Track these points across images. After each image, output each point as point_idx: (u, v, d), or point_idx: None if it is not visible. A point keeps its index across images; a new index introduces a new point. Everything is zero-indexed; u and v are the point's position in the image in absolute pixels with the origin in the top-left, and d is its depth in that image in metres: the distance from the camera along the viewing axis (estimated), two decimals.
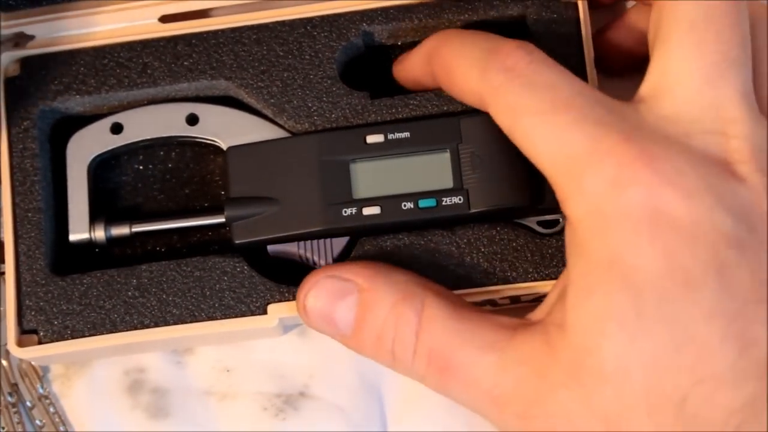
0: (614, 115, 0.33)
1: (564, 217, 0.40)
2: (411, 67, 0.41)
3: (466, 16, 0.43)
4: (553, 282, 0.40)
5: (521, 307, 0.41)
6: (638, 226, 0.31)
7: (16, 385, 0.45)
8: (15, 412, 0.44)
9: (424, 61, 0.40)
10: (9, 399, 0.44)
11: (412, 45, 0.44)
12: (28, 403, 0.44)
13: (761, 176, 0.32)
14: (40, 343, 0.41)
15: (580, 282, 0.33)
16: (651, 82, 0.34)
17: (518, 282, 0.40)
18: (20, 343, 0.41)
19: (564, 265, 0.40)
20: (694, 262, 0.31)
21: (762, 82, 0.35)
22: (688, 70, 0.33)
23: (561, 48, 0.42)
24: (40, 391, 0.44)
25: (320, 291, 0.38)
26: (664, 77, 0.34)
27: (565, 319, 0.33)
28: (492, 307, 0.42)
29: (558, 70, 0.35)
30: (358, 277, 0.37)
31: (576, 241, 0.33)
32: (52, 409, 0.44)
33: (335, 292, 0.37)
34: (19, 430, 0.44)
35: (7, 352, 0.44)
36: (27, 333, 0.41)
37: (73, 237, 0.42)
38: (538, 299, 0.41)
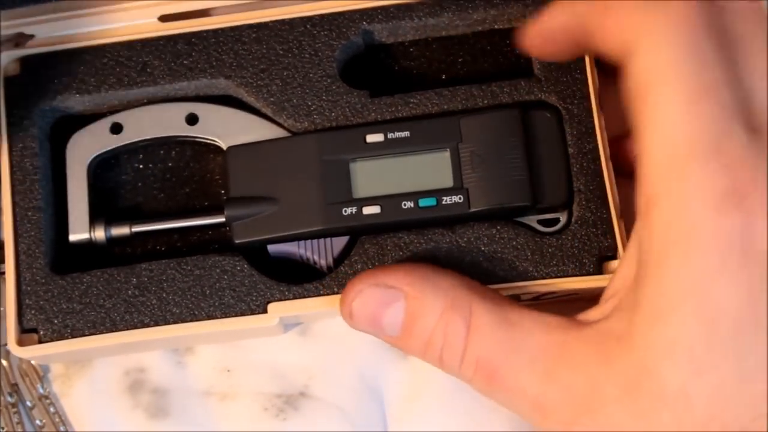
0: (740, 127, 0.31)
1: (581, 210, 0.40)
2: (550, 17, 0.36)
3: (467, 14, 0.43)
4: (553, 280, 0.40)
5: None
6: (729, 255, 0.30)
7: (16, 385, 0.45)
8: (15, 412, 0.44)
9: (567, 3, 0.36)
10: (9, 399, 0.44)
11: (412, 43, 0.44)
12: (28, 403, 0.44)
13: None
14: (40, 342, 0.41)
15: (656, 300, 0.31)
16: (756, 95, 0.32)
17: (518, 281, 0.40)
18: (20, 342, 0.41)
19: (564, 264, 0.40)
20: None
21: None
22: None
23: None
24: (41, 391, 0.44)
25: (366, 299, 0.37)
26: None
27: (631, 334, 0.32)
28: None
29: (718, 45, 0.32)
30: (403, 284, 0.37)
31: (656, 252, 0.32)
32: (52, 409, 0.44)
33: (382, 300, 0.37)
34: (19, 430, 0.44)
35: (8, 352, 0.44)
36: (27, 332, 0.41)
37: (73, 237, 0.42)
38: (538, 298, 0.41)
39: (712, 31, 0.32)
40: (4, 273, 0.43)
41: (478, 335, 0.35)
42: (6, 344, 0.44)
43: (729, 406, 0.30)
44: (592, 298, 0.36)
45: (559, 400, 0.33)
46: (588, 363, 0.33)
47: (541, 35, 0.38)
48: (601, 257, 0.40)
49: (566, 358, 0.34)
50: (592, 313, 0.35)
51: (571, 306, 0.37)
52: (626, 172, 0.41)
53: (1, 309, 0.45)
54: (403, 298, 0.37)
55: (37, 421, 0.44)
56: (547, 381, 0.34)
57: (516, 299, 0.41)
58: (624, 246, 0.40)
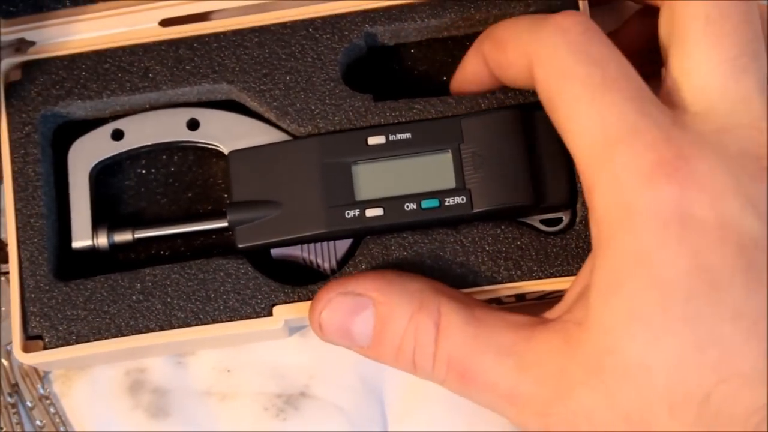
0: (654, 107, 0.33)
1: (585, 209, 0.40)
2: (465, 67, 0.40)
3: (469, 14, 0.43)
4: (557, 279, 0.40)
5: (530, 305, 0.41)
6: (668, 225, 0.31)
7: (16, 385, 0.45)
8: (15, 413, 0.44)
9: (476, 51, 0.39)
10: (9, 399, 0.44)
11: (415, 45, 0.45)
12: (29, 404, 0.44)
13: None
14: (45, 348, 0.41)
15: (605, 278, 0.32)
16: (673, 82, 0.34)
17: (523, 280, 0.40)
18: (26, 349, 0.41)
19: (568, 263, 0.40)
20: (722, 263, 0.31)
21: None
22: (711, 66, 0.33)
23: None
24: (41, 391, 0.44)
25: (335, 308, 0.38)
26: (687, 76, 0.34)
27: (588, 317, 0.33)
28: (498, 304, 0.42)
29: (611, 46, 0.34)
30: (371, 290, 0.37)
31: (601, 235, 0.33)
32: (52, 410, 0.44)
33: (350, 308, 0.37)
34: (19, 430, 0.44)
35: (8, 353, 0.44)
36: (32, 339, 0.41)
37: (75, 244, 0.42)
38: (543, 297, 0.41)
39: (599, 33, 0.34)
40: (6, 274, 0.43)
41: (448, 334, 0.36)
42: (8, 344, 0.44)
43: (690, 372, 0.31)
44: None
45: (530, 391, 0.34)
46: (553, 353, 0.34)
47: (464, 81, 0.41)
48: None
49: (534, 350, 0.34)
50: (555, 310, 0.36)
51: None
52: None
53: (3, 310, 0.45)
54: (371, 305, 0.37)
55: (37, 422, 0.44)
56: (518, 373, 0.34)
57: (521, 299, 0.41)
58: None
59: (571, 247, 0.40)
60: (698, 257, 0.31)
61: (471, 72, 0.40)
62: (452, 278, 0.40)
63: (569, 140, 0.34)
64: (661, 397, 0.31)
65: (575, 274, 0.40)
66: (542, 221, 0.42)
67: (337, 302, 0.37)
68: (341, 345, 0.38)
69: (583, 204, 0.41)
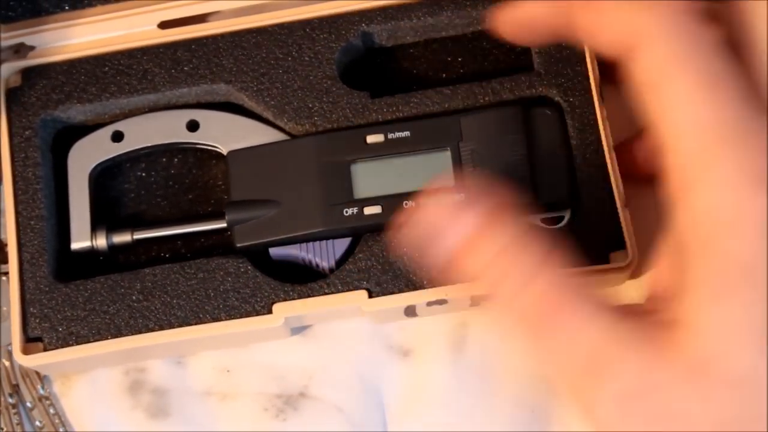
0: (752, 110, 0.31)
1: (585, 206, 0.40)
2: (534, 8, 0.36)
3: (466, 12, 0.43)
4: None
5: None
6: None
7: (17, 385, 0.44)
8: (15, 413, 0.44)
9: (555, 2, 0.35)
10: (9, 400, 0.44)
11: (412, 44, 0.45)
12: (29, 404, 0.44)
13: None
14: (45, 350, 0.41)
15: (709, 282, 0.30)
16: None
17: None
18: (25, 351, 0.41)
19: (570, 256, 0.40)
20: None
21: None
22: None
23: (562, 45, 0.42)
24: (41, 391, 0.44)
25: (439, 204, 0.34)
26: None
27: (687, 319, 0.31)
28: None
29: (718, 39, 0.32)
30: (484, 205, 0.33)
31: (702, 234, 0.31)
32: (51, 410, 0.44)
33: (455, 209, 0.33)
34: (19, 431, 0.44)
35: (9, 353, 0.44)
36: (32, 341, 0.41)
37: (75, 245, 0.42)
38: None
39: (710, 24, 0.32)
40: (6, 274, 0.43)
41: (553, 267, 0.33)
42: (8, 345, 0.44)
43: None
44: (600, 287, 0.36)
45: (617, 366, 0.31)
46: (644, 342, 0.31)
47: (519, 22, 0.37)
48: (608, 248, 0.40)
49: (627, 326, 0.32)
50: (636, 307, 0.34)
51: None
52: (635, 176, 0.41)
53: (4, 309, 0.45)
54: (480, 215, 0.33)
55: (37, 422, 0.44)
56: (610, 339, 0.31)
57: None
58: (629, 235, 0.40)
59: (573, 239, 0.40)
60: None
61: (540, 16, 0.36)
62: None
63: (666, 133, 0.32)
64: (764, 409, 0.30)
65: (578, 266, 0.39)
66: (542, 220, 0.42)
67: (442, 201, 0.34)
68: (421, 245, 0.34)
69: (586, 196, 0.40)
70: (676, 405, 0.30)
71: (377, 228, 0.41)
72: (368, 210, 0.41)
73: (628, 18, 0.32)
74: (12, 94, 0.44)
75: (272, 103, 0.43)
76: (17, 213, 0.43)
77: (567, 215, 0.41)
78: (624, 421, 0.31)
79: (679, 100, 0.31)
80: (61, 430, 0.44)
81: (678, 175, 0.31)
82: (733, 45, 0.33)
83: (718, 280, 0.30)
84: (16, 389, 0.44)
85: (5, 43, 0.44)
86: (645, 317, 0.32)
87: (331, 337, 0.44)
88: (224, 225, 0.42)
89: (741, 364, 0.30)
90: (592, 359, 0.31)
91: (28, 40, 0.44)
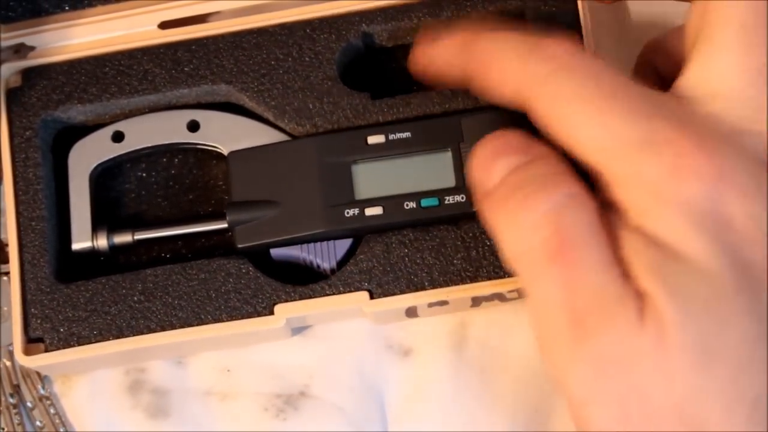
0: (664, 106, 0.33)
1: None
2: (439, 59, 0.39)
3: (465, 12, 0.43)
4: None
5: None
6: (701, 218, 0.31)
7: (17, 385, 0.44)
8: (16, 413, 0.44)
9: (456, 51, 0.38)
10: (10, 400, 0.44)
11: (412, 45, 0.44)
12: (29, 404, 0.44)
13: None
14: (46, 351, 0.41)
15: (651, 268, 0.31)
16: (693, 80, 0.34)
17: None
18: (27, 352, 0.41)
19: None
20: (759, 261, 0.31)
21: None
22: (735, 71, 0.33)
23: None
24: (41, 391, 0.44)
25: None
26: (708, 75, 0.34)
27: (649, 291, 0.31)
28: (500, 301, 0.42)
29: (600, 61, 0.34)
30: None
31: (632, 224, 0.32)
32: (52, 410, 0.44)
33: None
34: (20, 430, 0.44)
35: (10, 353, 0.44)
36: (33, 341, 0.41)
37: (75, 246, 0.42)
38: None
39: (586, 52, 0.35)
40: (7, 274, 0.43)
41: (574, 210, 0.33)
42: (9, 345, 0.44)
43: (745, 373, 0.30)
44: None
45: (606, 327, 0.31)
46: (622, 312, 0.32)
47: (430, 68, 0.39)
48: None
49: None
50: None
51: None
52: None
53: (4, 309, 0.45)
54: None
55: (38, 422, 0.44)
56: (619, 289, 0.32)
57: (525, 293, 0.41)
58: None
59: None
60: (736, 253, 0.31)
61: (442, 65, 0.39)
62: (454, 274, 0.40)
63: (580, 153, 0.33)
64: (719, 392, 0.30)
65: None
66: None
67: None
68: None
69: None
70: (642, 380, 0.31)
71: (378, 229, 0.41)
72: (369, 211, 0.41)
73: (511, 77, 0.35)
74: (12, 95, 0.44)
75: (273, 103, 0.43)
76: (18, 213, 0.43)
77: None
78: (593, 388, 0.31)
79: (573, 131, 0.33)
80: (61, 430, 0.44)
81: (604, 179, 0.33)
82: None
83: (655, 261, 0.31)
84: (16, 389, 0.44)
85: (5, 44, 0.44)
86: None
87: (332, 337, 0.44)
88: (225, 225, 0.42)
89: (696, 343, 0.30)
90: (579, 313, 0.31)
91: (29, 41, 0.44)
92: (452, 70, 0.38)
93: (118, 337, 0.41)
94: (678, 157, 0.31)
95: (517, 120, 0.40)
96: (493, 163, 0.35)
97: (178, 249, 0.44)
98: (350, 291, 0.41)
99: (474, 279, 0.40)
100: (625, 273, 0.32)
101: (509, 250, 0.33)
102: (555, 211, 0.32)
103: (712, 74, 0.34)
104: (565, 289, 0.32)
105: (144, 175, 0.45)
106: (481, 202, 0.35)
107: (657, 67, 0.41)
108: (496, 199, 0.34)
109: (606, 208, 0.33)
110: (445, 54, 0.38)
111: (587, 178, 0.33)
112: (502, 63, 0.35)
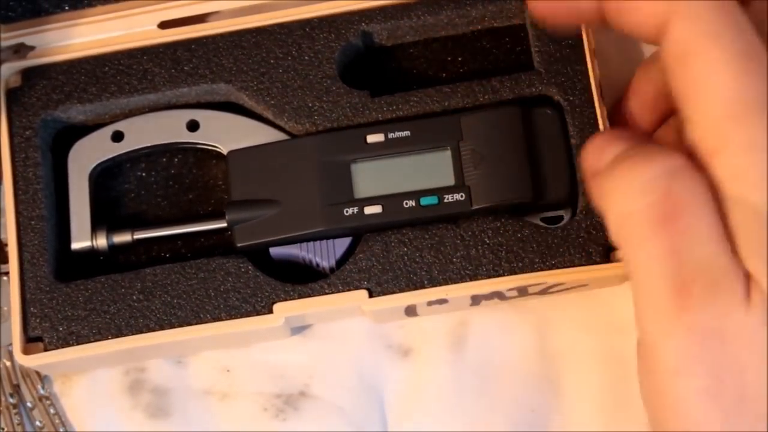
0: None
1: (585, 202, 0.40)
2: None
3: (465, 11, 0.43)
4: (559, 271, 0.40)
5: None
6: None
7: (17, 385, 0.44)
8: (15, 413, 0.44)
9: None
10: (10, 400, 0.44)
11: (412, 44, 0.45)
12: (29, 404, 0.44)
13: None
14: (45, 350, 0.41)
15: (758, 247, 0.31)
16: None
17: (524, 272, 0.40)
18: (26, 351, 0.41)
19: (569, 254, 0.40)
20: None
21: None
22: None
23: (560, 39, 0.42)
24: (41, 391, 0.44)
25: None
26: None
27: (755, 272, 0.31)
28: (499, 299, 0.42)
29: (746, 16, 0.33)
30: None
31: (739, 196, 0.31)
32: (52, 410, 0.44)
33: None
34: (19, 431, 0.44)
35: (9, 353, 0.44)
36: (32, 341, 0.41)
37: (75, 245, 0.42)
38: (546, 290, 0.41)
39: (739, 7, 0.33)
40: (7, 274, 0.43)
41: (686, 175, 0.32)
42: (9, 345, 0.44)
43: None
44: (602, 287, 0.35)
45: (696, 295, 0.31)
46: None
47: (553, 7, 0.37)
48: (608, 246, 0.40)
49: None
50: None
51: None
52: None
53: (4, 309, 0.45)
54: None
55: (37, 422, 0.44)
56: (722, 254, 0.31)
57: (523, 292, 0.41)
58: None
59: (573, 238, 0.40)
60: None
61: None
62: (453, 272, 0.40)
63: (698, 100, 0.32)
64: None
65: (578, 265, 0.40)
66: (543, 219, 0.42)
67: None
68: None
69: (586, 194, 0.40)
70: (740, 357, 0.30)
71: (378, 228, 0.41)
72: (368, 210, 0.41)
73: None
74: (12, 95, 0.44)
75: (272, 102, 0.43)
76: (17, 213, 0.43)
77: (567, 214, 0.41)
78: (689, 358, 0.31)
79: (706, 72, 0.31)
80: (61, 429, 0.44)
81: (705, 143, 0.32)
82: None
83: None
84: (16, 389, 0.44)
85: (5, 44, 0.44)
86: None
87: (331, 337, 0.44)
88: (224, 225, 0.42)
89: None
90: (685, 282, 0.31)
91: (28, 41, 0.44)
92: (585, 5, 0.36)
93: (117, 336, 0.41)
94: None
95: (517, 119, 0.41)
96: (604, 148, 0.34)
97: (178, 248, 0.44)
98: (349, 290, 0.41)
99: (473, 277, 0.40)
100: (733, 249, 0.31)
101: (614, 214, 0.32)
102: (666, 177, 0.31)
103: None
104: (672, 256, 0.31)
105: (143, 174, 0.45)
106: (590, 182, 0.34)
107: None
108: (604, 173, 0.33)
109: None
110: None
111: None
112: None
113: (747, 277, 0.31)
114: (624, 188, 0.32)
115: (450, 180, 0.41)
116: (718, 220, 0.31)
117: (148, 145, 0.43)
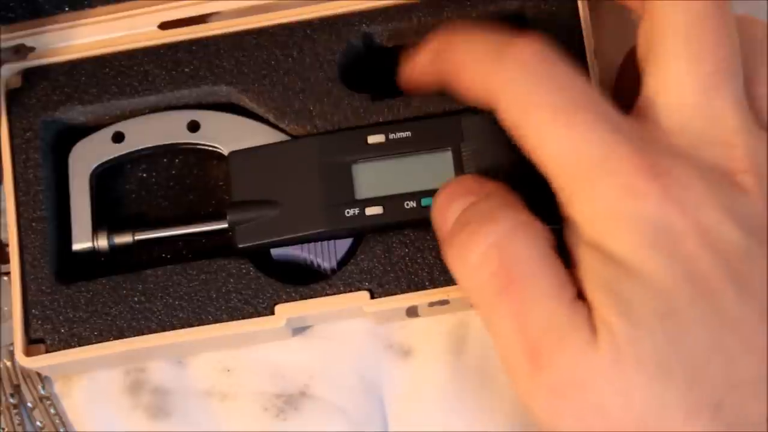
0: (624, 124, 0.33)
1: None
2: (417, 68, 0.40)
3: (465, 12, 0.43)
4: None
5: None
6: (652, 235, 0.31)
7: (18, 386, 0.44)
8: (16, 413, 0.44)
9: (430, 59, 0.39)
10: (11, 400, 0.44)
11: (412, 46, 0.45)
12: (29, 404, 0.44)
13: (762, 186, 0.33)
14: (47, 351, 0.41)
15: (600, 286, 0.32)
16: (649, 97, 0.34)
17: None
18: (28, 353, 0.41)
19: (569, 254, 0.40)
20: (711, 271, 0.31)
21: (761, 94, 0.35)
22: (687, 83, 0.33)
23: (561, 40, 0.42)
24: (42, 392, 0.44)
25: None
26: (662, 91, 0.34)
27: (601, 309, 0.32)
28: None
29: (571, 69, 0.34)
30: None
31: (590, 241, 0.33)
32: (52, 411, 0.44)
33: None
34: (20, 431, 0.44)
35: (10, 353, 0.44)
36: (34, 342, 0.41)
37: (76, 246, 0.42)
38: None
39: (559, 59, 0.35)
40: (7, 274, 0.43)
41: (514, 241, 0.34)
42: (9, 345, 0.44)
43: (702, 380, 0.31)
44: None
45: (556, 357, 0.32)
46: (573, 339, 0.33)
47: (411, 80, 0.41)
48: None
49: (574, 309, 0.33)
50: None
51: None
52: None
53: (5, 309, 0.45)
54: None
55: (38, 422, 0.44)
56: (555, 321, 0.33)
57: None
58: None
59: None
60: (687, 265, 0.31)
61: (420, 75, 0.40)
62: None
63: (542, 164, 0.34)
64: (678, 402, 0.31)
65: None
66: (543, 219, 0.42)
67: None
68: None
69: None
70: (601, 400, 0.31)
71: (379, 228, 0.41)
72: (370, 210, 0.41)
73: (481, 79, 0.36)
74: (12, 96, 0.44)
75: (273, 104, 0.43)
76: (18, 214, 0.43)
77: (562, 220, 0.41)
78: (556, 414, 0.32)
79: (537, 139, 0.34)
80: (61, 430, 0.44)
81: (561, 197, 0.34)
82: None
83: (604, 282, 0.32)
84: (17, 389, 0.44)
85: (5, 44, 0.44)
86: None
87: (332, 337, 0.44)
88: (225, 226, 0.42)
89: (652, 354, 0.31)
90: (532, 342, 0.32)
91: (29, 41, 0.44)
92: (429, 78, 0.39)
93: (118, 338, 0.41)
94: (629, 176, 0.32)
95: None
96: (448, 207, 0.36)
97: (179, 249, 0.44)
98: (351, 291, 0.41)
99: None
100: (579, 292, 0.33)
101: (463, 287, 0.34)
102: (499, 244, 0.33)
103: (665, 90, 0.34)
104: (517, 321, 0.32)
105: (144, 175, 0.45)
106: (441, 248, 0.36)
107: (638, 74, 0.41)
108: (448, 241, 0.35)
109: (567, 223, 0.34)
110: (421, 66, 0.39)
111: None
112: (472, 64, 0.36)
113: (594, 317, 0.32)
114: (463, 266, 0.34)
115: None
116: (558, 270, 0.33)
117: (149, 145, 0.43)
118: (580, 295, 0.33)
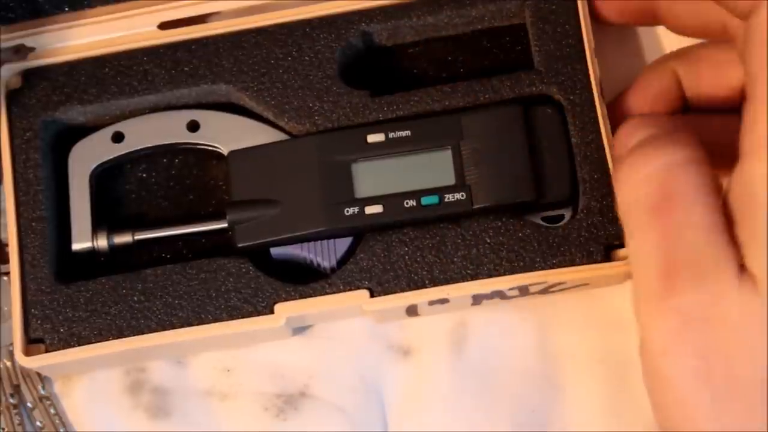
0: None
1: (586, 201, 0.41)
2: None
3: (465, 11, 0.43)
4: (559, 270, 0.40)
5: None
6: None
7: (18, 386, 0.44)
8: (16, 413, 0.44)
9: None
10: (11, 400, 0.44)
11: (412, 44, 0.45)
12: (29, 404, 0.44)
13: None
14: (47, 351, 0.41)
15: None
16: None
17: (525, 271, 0.40)
18: (27, 353, 0.41)
19: (570, 253, 0.40)
20: None
21: None
22: None
23: (560, 38, 0.42)
24: (42, 392, 0.44)
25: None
26: None
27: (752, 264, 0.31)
28: (501, 299, 0.42)
29: None
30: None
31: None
32: (52, 410, 0.44)
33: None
34: (19, 431, 0.44)
35: (10, 353, 0.44)
36: (33, 342, 0.41)
37: (75, 246, 0.42)
38: (547, 289, 0.41)
39: None
40: (7, 274, 0.43)
41: (681, 170, 0.33)
42: (9, 345, 0.44)
43: None
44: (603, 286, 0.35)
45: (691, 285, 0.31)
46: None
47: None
48: (609, 245, 0.40)
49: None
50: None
51: None
52: None
53: (4, 309, 0.45)
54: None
55: (38, 422, 0.44)
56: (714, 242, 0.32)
57: (524, 291, 0.41)
58: None
59: (574, 237, 0.40)
60: None
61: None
62: (454, 271, 0.40)
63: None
64: None
65: (579, 264, 0.40)
66: (543, 218, 0.42)
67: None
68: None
69: (586, 193, 0.40)
70: (728, 346, 0.30)
71: (378, 227, 0.41)
72: (369, 209, 0.41)
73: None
74: (12, 96, 0.44)
75: (272, 103, 0.43)
76: (18, 214, 0.43)
77: (568, 213, 0.41)
78: (676, 341, 0.31)
79: None
80: (61, 430, 0.44)
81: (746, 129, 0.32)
82: None
83: None
84: (16, 389, 0.44)
85: (5, 45, 0.44)
86: None
87: (332, 337, 0.44)
88: (225, 225, 0.42)
89: None
90: (672, 267, 0.32)
91: (28, 42, 0.44)
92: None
93: (118, 337, 0.41)
94: None
95: (517, 118, 0.41)
96: (633, 132, 0.35)
97: (179, 249, 0.44)
98: (350, 289, 0.41)
99: (474, 277, 0.40)
100: (733, 240, 0.32)
101: (620, 202, 0.34)
102: (668, 168, 0.33)
103: None
104: (663, 240, 0.32)
105: (144, 175, 0.45)
106: (613, 166, 0.36)
107: (679, 76, 0.41)
108: (622, 160, 0.34)
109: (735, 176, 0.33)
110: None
111: None
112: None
113: (741, 267, 0.31)
114: (630, 178, 0.33)
115: (451, 179, 0.41)
116: (716, 212, 0.32)
117: (149, 145, 0.44)
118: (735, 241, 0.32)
